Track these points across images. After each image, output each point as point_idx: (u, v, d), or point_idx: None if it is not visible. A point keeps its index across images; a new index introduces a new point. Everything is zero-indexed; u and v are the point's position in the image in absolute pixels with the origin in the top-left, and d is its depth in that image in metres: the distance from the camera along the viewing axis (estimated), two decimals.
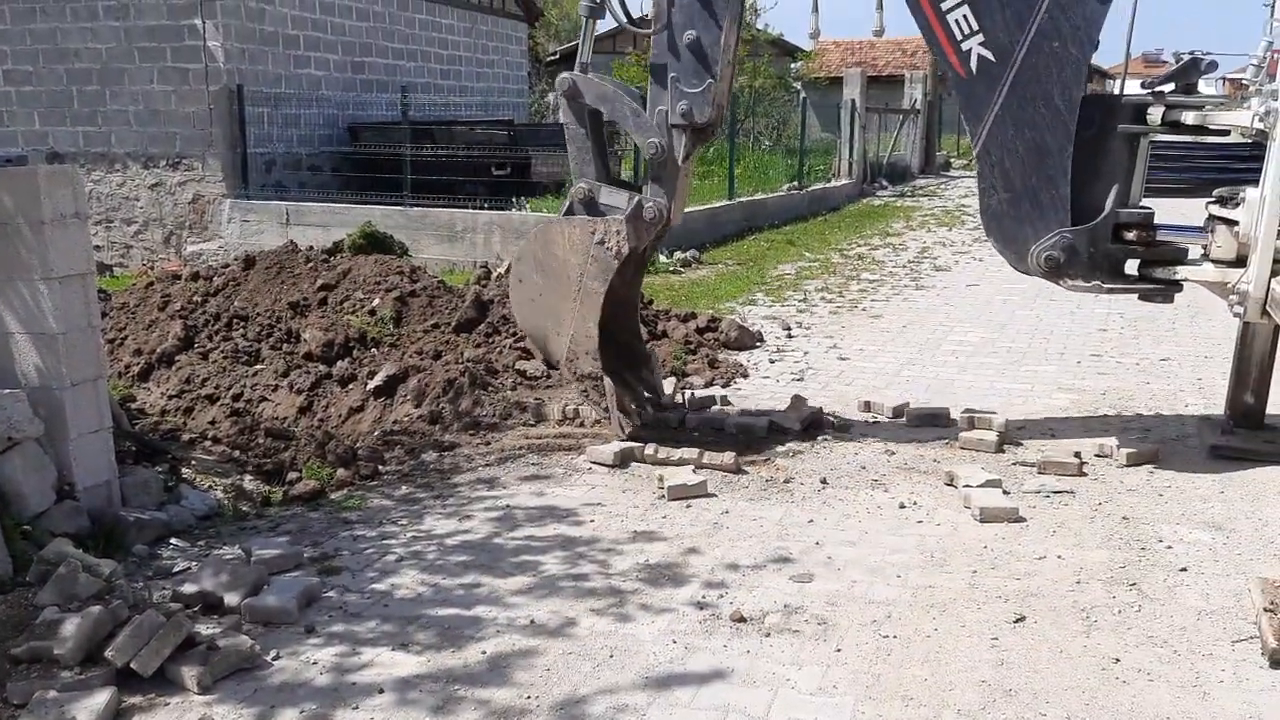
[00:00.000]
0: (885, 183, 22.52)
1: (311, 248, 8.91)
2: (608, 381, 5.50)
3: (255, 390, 6.57)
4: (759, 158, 21.16)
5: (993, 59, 4.93)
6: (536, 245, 5.58)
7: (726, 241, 13.75)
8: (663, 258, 11.89)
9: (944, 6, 4.94)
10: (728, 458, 5.28)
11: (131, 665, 3.28)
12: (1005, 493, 4.90)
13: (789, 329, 8.75)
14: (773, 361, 7.67)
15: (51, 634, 3.37)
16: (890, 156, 24.04)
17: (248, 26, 14.61)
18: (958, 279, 11.49)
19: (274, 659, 3.51)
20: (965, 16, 4.93)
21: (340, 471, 5.30)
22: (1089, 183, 5.12)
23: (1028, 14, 4.84)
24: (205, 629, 3.62)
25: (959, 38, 4.96)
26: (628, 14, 5.62)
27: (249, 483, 5.23)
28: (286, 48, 15.37)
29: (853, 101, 21.11)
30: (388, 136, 14.90)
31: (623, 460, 5.39)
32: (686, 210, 14.77)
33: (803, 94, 22.03)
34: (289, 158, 15.56)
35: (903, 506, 4.87)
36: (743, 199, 15.91)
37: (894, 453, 5.55)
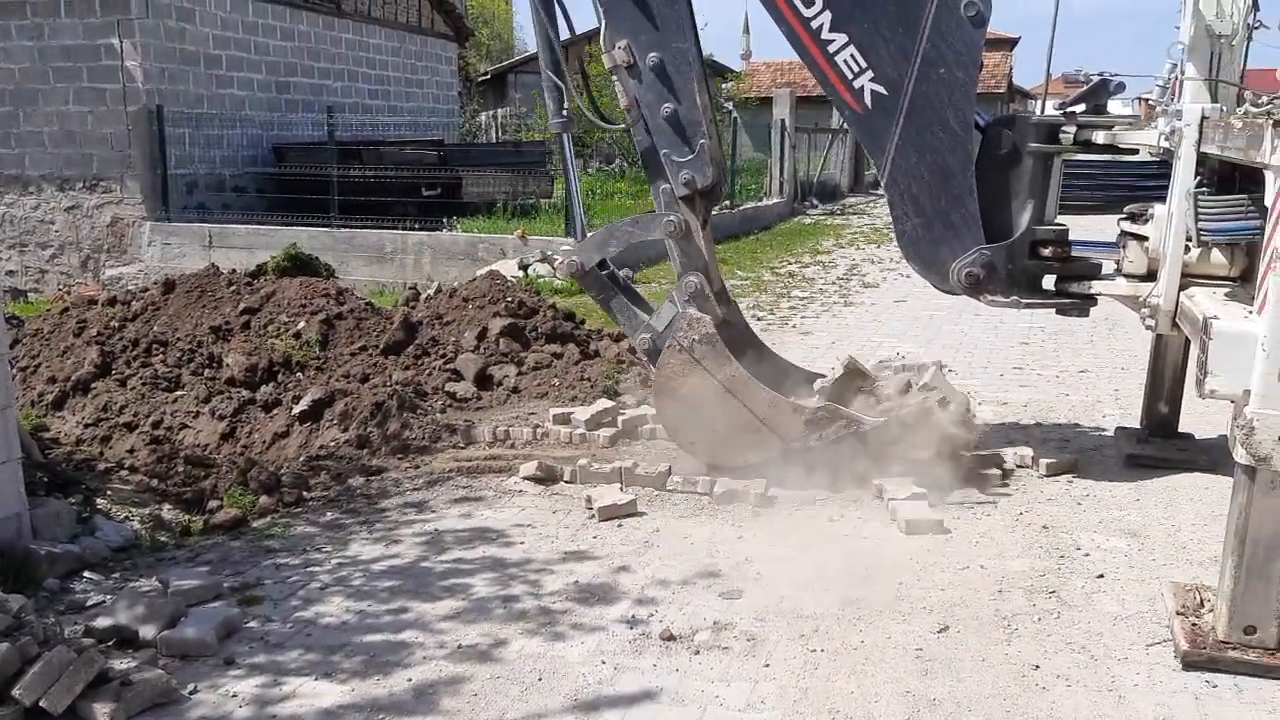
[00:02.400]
0: (816, 201, 22.86)
1: (234, 270, 8.75)
2: (825, 405, 5.27)
3: (175, 417, 6.41)
4: None
5: (885, 92, 5.06)
6: (668, 404, 5.44)
7: (660, 261, 13.79)
8: None
9: (831, 50, 5.07)
10: (657, 473, 5.29)
11: (41, 704, 3.17)
12: (930, 505, 4.97)
13: None
14: None
15: None
16: (820, 175, 24.42)
17: (167, 46, 14.34)
18: (885, 295, 11.70)
19: (192, 693, 3.41)
20: (853, 56, 5.06)
21: (263, 499, 5.19)
22: (1005, 201, 5.25)
23: (911, 46, 4.99)
24: (119, 664, 3.51)
25: (850, 77, 5.08)
26: (600, 114, 5.69)
27: (168, 512, 5.09)
28: (208, 67, 15.12)
29: (783, 121, 21.42)
30: (314, 157, 14.71)
31: (552, 479, 5.38)
32: None
33: (734, 114, 22.27)
34: (212, 179, 15.28)
35: (831, 520, 4.92)
36: None
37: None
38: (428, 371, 6.95)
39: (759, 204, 20.11)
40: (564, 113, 5.49)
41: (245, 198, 15.67)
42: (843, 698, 3.41)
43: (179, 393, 6.67)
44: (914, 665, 3.61)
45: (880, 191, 27.26)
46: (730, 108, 21.57)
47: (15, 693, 3.18)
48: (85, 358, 6.96)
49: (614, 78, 5.31)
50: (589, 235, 5.68)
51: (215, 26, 15.19)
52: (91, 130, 14.18)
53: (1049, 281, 5.44)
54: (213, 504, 5.15)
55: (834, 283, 12.59)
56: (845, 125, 24.67)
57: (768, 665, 3.60)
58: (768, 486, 5.18)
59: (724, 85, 28.41)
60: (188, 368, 6.94)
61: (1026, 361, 8.34)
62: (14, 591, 3.88)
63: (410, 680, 3.51)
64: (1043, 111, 5.47)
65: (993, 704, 3.37)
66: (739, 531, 4.79)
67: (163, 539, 4.80)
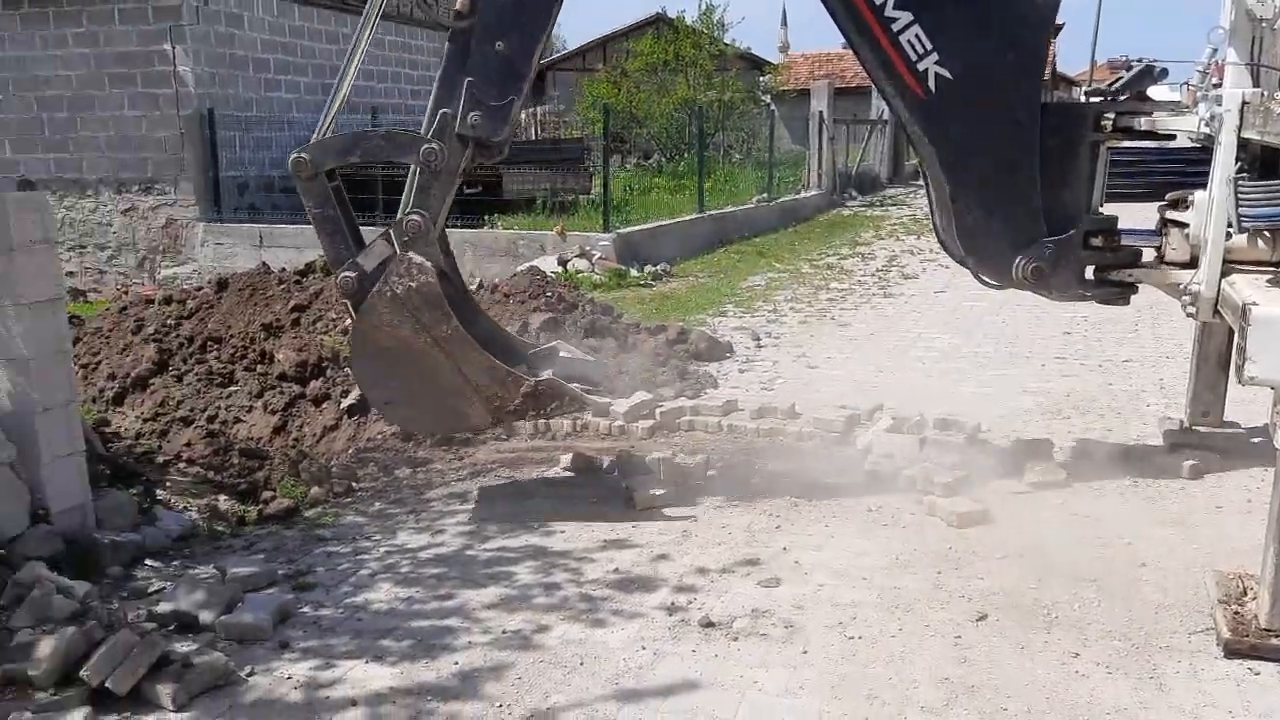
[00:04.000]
0: (854, 193, 22.72)
1: (284, 269, 8.94)
2: (545, 383, 4.88)
3: (230, 411, 6.61)
4: (729, 171, 21.34)
5: (950, 77, 4.86)
6: (368, 357, 4.85)
7: (697, 254, 13.86)
8: (634, 271, 11.98)
9: (895, 29, 4.86)
10: (695, 464, 5.35)
11: (107, 684, 3.31)
12: (973, 498, 4.98)
13: (758, 339, 8.84)
14: (742, 372, 7.76)
15: (26, 656, 3.39)
16: (859, 167, 24.26)
17: (217, 51, 14.64)
18: (925, 286, 11.64)
19: (248, 675, 3.54)
20: (918, 36, 4.84)
21: (314, 489, 5.35)
22: (1058, 190, 5.17)
23: (979, 28, 4.84)
24: (180, 647, 3.64)
25: (914, 58, 4.86)
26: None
27: (224, 503, 5.26)
28: (257, 71, 15.41)
29: (821, 113, 21.30)
30: None
31: (591, 470, 5.46)
32: (657, 224, 14.85)
33: (772, 107, 22.21)
34: (261, 180, 15.58)
35: (870, 510, 4.95)
36: (713, 212, 16.05)
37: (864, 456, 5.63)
38: None
39: (797, 196, 20.05)
40: None
41: (294, 198, 15.70)
42: (880, 683, 3.45)
43: (233, 388, 6.87)
44: (952, 652, 3.64)
45: (919, 182, 27.13)
46: (768, 100, 21.49)
47: (83, 674, 3.33)
48: (143, 355, 7.19)
49: None
50: (331, 136, 4.95)
51: (263, 31, 15.48)
52: (146, 134, 14.53)
53: (1089, 271, 5.41)
54: (266, 495, 5.31)
55: (873, 274, 12.55)
56: (887, 115, 24.49)
57: (806, 652, 3.66)
58: (806, 477, 5.22)
59: (761, 78, 28.30)
60: (241, 364, 7.13)
61: (1069, 351, 8.29)
62: (80, 579, 4.05)
63: (456, 664, 3.61)
64: (1087, 99, 5.40)
65: (1032, 691, 3.40)
66: (777, 521, 4.84)
67: (219, 528, 4.97)
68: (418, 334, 4.67)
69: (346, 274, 4.74)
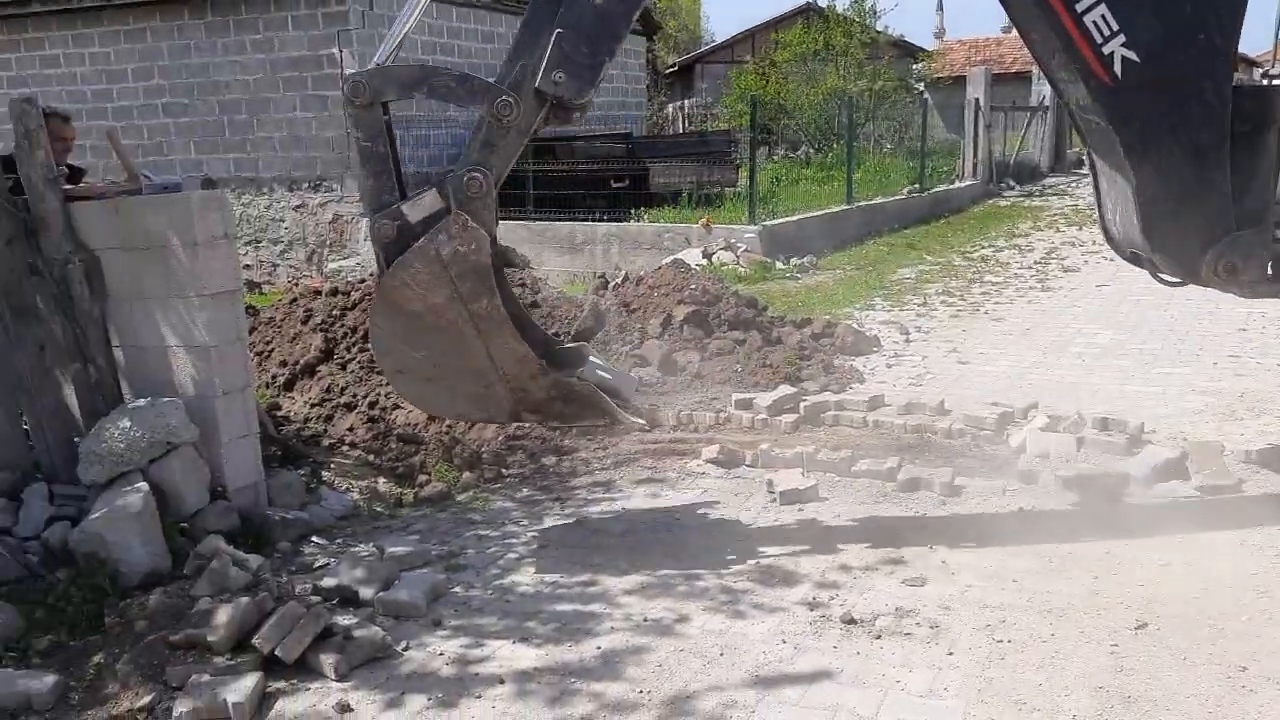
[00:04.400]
0: (1012, 182, 21.85)
1: None
2: (580, 386, 4.49)
3: (389, 398, 6.90)
4: (879, 161, 20.89)
5: (1138, 60, 4.50)
6: (390, 318, 4.34)
7: (845, 246, 13.64)
8: (779, 264, 11.89)
9: (1079, 8, 4.50)
10: (839, 459, 5.30)
11: (276, 652, 3.55)
12: (1133, 501, 4.77)
13: (907, 333, 8.65)
14: (889, 366, 7.61)
15: (205, 623, 3.68)
16: (1018, 155, 23.31)
17: None
18: (1087, 280, 11.12)
19: (404, 649, 3.73)
20: (1104, 16, 4.47)
21: (466, 474, 5.57)
22: (1246, 179, 4.84)
23: (1169, 6, 4.52)
24: (342, 620, 3.85)
25: (1099, 41, 4.50)
26: None
27: (383, 485, 5.53)
28: None
29: (976, 100, 20.57)
30: None
31: (733, 463, 5.48)
32: (804, 216, 14.67)
33: (925, 95, 21.58)
34: (419, 177, 16.00)
35: (1023, 511, 4.79)
36: (861, 203, 15.75)
37: (1017, 455, 5.46)
38: (615, 357, 7.20)
39: (950, 187, 19.46)
40: None
41: None
42: (1030, 690, 3.35)
43: None
44: (1108, 661, 3.50)
45: (1082, 171, 25.82)
46: (921, 88, 20.89)
47: (255, 642, 3.58)
48: (311, 344, 7.60)
49: None
50: (399, 64, 4.50)
51: (422, 32, 16.06)
52: (315, 134, 15.34)
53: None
54: (422, 478, 5.56)
55: (1030, 267, 12.07)
56: (1049, 101, 23.44)
57: (951, 654, 3.58)
58: (954, 475, 5.10)
59: (915, 66, 27.54)
60: None
61: (1244, 349, 7.77)
62: (253, 553, 4.36)
63: (599, 648, 3.70)
64: (1268, 80, 5.06)
65: (1194, 704, 3.24)
66: (923, 519, 4.75)
67: (378, 509, 5.23)
68: (452, 304, 4.22)
69: (385, 220, 4.28)
